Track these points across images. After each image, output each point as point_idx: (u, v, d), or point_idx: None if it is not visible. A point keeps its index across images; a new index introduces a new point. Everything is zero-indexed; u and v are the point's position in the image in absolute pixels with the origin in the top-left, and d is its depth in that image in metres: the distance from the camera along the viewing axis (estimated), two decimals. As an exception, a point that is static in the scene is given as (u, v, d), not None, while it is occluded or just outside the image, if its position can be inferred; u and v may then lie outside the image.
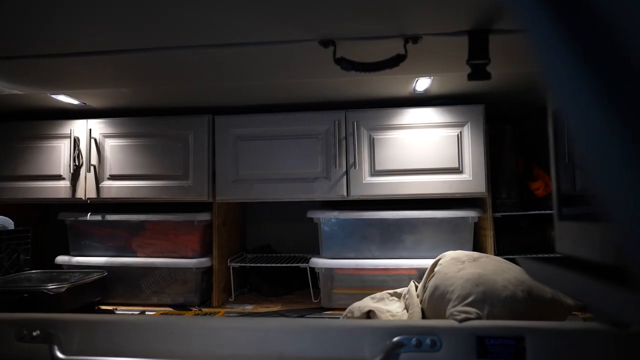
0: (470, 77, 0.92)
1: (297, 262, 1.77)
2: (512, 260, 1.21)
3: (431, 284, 1.18)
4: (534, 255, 1.51)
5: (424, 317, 1.18)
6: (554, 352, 0.89)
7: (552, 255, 1.42)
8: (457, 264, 1.18)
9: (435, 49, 1.00)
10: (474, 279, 1.08)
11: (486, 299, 1.04)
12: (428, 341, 0.93)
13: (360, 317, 1.19)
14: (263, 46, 1.01)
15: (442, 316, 1.09)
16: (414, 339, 0.94)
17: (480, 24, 0.89)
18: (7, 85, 1.31)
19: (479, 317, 0.99)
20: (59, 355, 0.99)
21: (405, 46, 0.96)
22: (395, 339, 0.94)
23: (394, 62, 0.95)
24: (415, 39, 0.95)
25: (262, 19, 0.87)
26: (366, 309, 1.20)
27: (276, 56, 1.06)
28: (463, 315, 0.98)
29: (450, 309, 1.03)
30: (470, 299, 1.04)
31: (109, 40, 0.97)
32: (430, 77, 1.34)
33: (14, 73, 1.20)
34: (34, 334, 1.04)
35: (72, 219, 1.73)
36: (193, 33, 0.93)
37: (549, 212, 1.53)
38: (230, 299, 1.75)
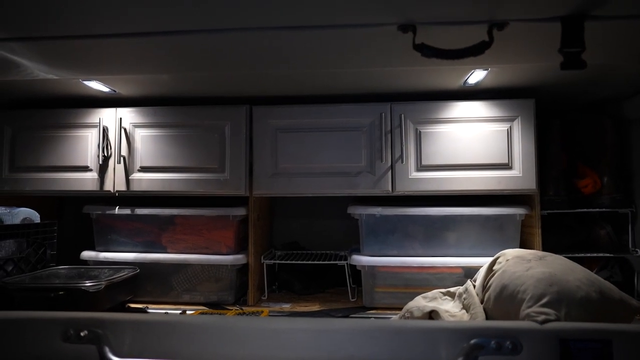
0: (564, 66, 0.86)
1: (329, 259, 1.71)
2: (573, 259, 1.17)
3: (496, 283, 1.13)
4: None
5: (486, 317, 1.14)
6: None
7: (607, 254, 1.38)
8: (523, 262, 1.13)
9: (522, 36, 0.94)
10: (546, 279, 1.04)
11: (562, 299, 0.99)
12: (508, 344, 0.88)
13: (422, 318, 1.14)
14: (334, 30, 0.94)
15: (511, 317, 1.04)
16: (493, 342, 0.89)
17: (575, 9, 0.84)
18: (42, 68, 1.23)
19: (558, 319, 0.94)
20: (111, 357, 0.92)
21: (490, 32, 0.90)
22: (473, 341, 0.89)
23: (479, 49, 0.89)
24: (501, 25, 0.89)
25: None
26: (427, 309, 1.15)
27: (347, 42, 0.99)
28: (543, 317, 0.93)
29: (525, 310, 0.99)
30: (545, 300, 0.99)
31: (154, 20, 0.88)
32: (486, 69, 1.29)
33: (51, 55, 1.12)
34: (82, 334, 0.97)
35: (99, 212, 1.65)
36: (254, 13, 0.86)
37: (599, 210, 1.50)
38: (263, 297, 1.69)
